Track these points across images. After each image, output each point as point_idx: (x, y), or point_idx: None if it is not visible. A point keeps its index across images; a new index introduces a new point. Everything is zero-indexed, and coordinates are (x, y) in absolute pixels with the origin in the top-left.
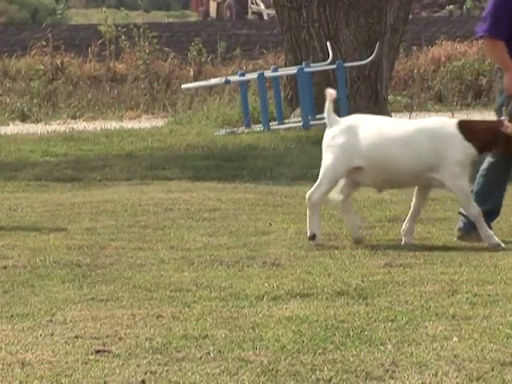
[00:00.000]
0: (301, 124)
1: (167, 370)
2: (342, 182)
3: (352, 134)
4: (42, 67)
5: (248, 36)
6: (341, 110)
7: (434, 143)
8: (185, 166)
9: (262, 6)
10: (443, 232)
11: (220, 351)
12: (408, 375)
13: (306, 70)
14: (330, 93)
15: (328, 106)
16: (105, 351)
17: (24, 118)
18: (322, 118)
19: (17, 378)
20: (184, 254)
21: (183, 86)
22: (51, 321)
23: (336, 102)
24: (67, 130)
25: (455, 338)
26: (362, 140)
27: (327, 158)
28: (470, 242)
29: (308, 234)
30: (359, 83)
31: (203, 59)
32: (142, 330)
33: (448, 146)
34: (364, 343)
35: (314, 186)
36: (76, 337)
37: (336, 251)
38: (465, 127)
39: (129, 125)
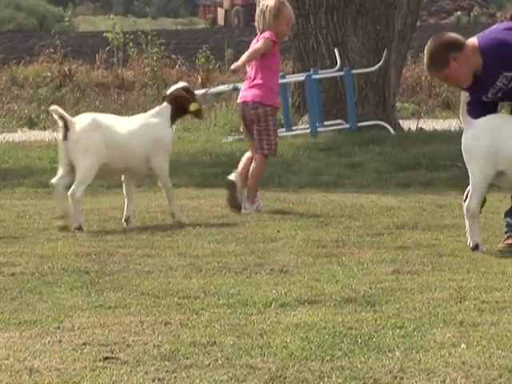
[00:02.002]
0: (309, 131)
1: (175, 377)
2: None
3: (493, 135)
4: (50, 74)
5: None
6: (349, 117)
7: None
8: (193, 173)
9: None
10: (451, 239)
11: (228, 358)
12: (416, 382)
13: (314, 76)
14: (464, 95)
15: (462, 107)
16: (113, 358)
17: (32, 125)
18: (330, 125)
19: None
20: (192, 260)
21: None
22: (59, 328)
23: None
24: None
25: (463, 345)
26: (504, 142)
27: (474, 163)
28: None
29: (471, 245)
30: (367, 90)
31: (211, 66)
32: (150, 337)
33: None
34: (372, 350)
35: (469, 196)
36: (84, 344)
37: (344, 258)
38: None
39: None
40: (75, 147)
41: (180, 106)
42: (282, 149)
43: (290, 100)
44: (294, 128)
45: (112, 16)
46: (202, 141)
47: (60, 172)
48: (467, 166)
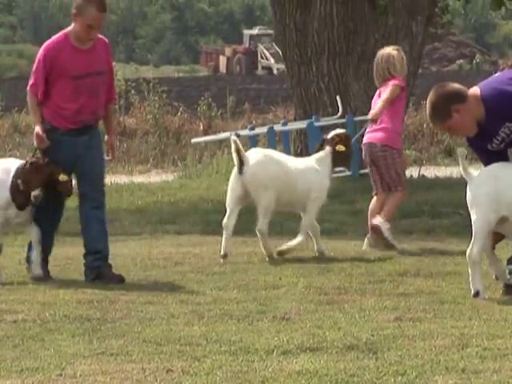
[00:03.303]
0: None
1: None
2: None
3: (495, 183)
4: None
5: (258, 90)
6: (351, 164)
7: None
8: (195, 220)
9: (272, 61)
10: (453, 286)
11: None
12: None
13: (316, 124)
14: (461, 150)
15: (462, 163)
16: None
17: None
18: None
19: None
20: (194, 307)
21: (193, 140)
22: (61, 375)
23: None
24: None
25: None
26: (506, 188)
27: (477, 211)
28: None
29: (472, 292)
30: None
31: (213, 113)
32: None
33: None
34: None
35: (471, 244)
36: None
37: (346, 305)
38: None
39: (139, 179)
40: (251, 181)
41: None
42: None
43: (291, 147)
44: None
45: (114, 63)
46: (204, 188)
47: (228, 211)
48: (470, 215)
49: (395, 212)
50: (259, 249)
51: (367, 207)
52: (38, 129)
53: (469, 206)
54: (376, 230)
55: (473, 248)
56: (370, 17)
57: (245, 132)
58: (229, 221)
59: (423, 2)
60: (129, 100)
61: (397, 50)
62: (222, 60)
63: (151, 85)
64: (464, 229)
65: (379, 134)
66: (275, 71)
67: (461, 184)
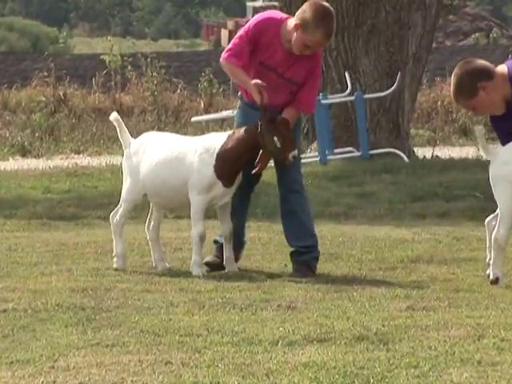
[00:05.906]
0: (318, 159)
1: None
2: None
3: None
4: (44, 99)
5: None
6: (360, 145)
7: None
8: None
9: None
10: (468, 273)
11: None
12: None
13: (324, 101)
14: (479, 129)
15: (481, 142)
16: None
17: (25, 153)
18: (341, 153)
19: None
20: (194, 296)
21: (193, 119)
22: (53, 367)
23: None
24: (70, 166)
25: None
26: None
27: (501, 193)
28: None
29: (491, 277)
30: (379, 116)
31: (214, 90)
32: (150, 378)
33: None
34: None
35: (497, 226)
36: None
37: (355, 293)
38: None
39: None
40: None
41: None
42: None
43: None
44: (302, 156)
45: (109, 37)
46: None
47: None
48: (495, 195)
49: None
50: (263, 234)
51: (377, 189)
52: (252, 82)
53: (492, 185)
54: None
55: (499, 230)
56: None
57: None
58: None
59: None
60: (125, 76)
61: None
62: (224, 34)
63: (149, 60)
64: (481, 212)
65: None
66: None
67: (477, 165)
